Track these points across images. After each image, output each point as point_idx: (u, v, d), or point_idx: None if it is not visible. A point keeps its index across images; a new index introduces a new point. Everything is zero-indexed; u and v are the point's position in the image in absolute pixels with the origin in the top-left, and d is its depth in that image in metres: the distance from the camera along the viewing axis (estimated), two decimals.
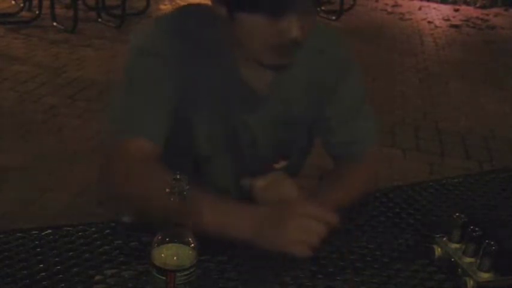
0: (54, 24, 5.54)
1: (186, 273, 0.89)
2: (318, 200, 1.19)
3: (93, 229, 1.16)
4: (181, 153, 1.29)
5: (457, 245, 1.14)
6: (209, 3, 1.20)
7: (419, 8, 8.45)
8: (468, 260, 1.11)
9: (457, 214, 1.17)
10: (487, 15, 8.38)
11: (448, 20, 7.88)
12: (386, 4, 8.46)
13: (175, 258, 0.89)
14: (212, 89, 1.25)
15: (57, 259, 1.06)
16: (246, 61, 1.22)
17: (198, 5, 1.29)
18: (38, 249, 1.09)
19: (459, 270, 1.10)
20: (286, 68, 1.22)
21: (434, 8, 8.61)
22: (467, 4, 8.98)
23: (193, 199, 0.91)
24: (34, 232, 1.13)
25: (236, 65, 1.24)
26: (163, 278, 0.88)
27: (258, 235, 1.06)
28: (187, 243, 0.90)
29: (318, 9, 1.15)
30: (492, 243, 1.07)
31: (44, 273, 1.02)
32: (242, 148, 1.32)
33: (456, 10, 8.59)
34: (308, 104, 1.34)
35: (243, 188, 1.21)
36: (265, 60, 1.18)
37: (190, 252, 0.90)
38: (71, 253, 1.08)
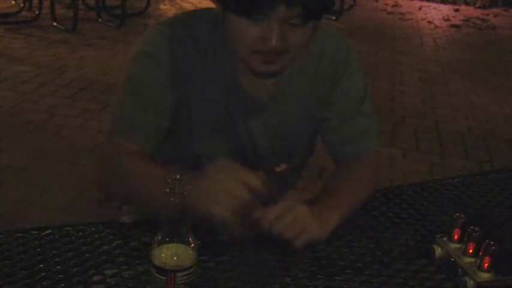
0: (54, 24, 5.54)
1: (186, 273, 0.89)
2: (323, 207, 1.18)
3: (93, 229, 1.16)
4: (182, 152, 1.29)
5: (457, 245, 1.14)
6: (213, 7, 1.21)
7: (419, 8, 8.46)
8: (468, 260, 1.11)
9: (457, 214, 1.17)
10: (487, 15, 8.39)
11: (448, 20, 7.89)
12: (387, 4, 8.47)
13: (175, 258, 0.89)
14: (214, 95, 1.26)
15: (57, 259, 1.06)
16: (245, 68, 1.22)
17: (204, 10, 1.30)
18: (38, 249, 1.08)
19: (459, 270, 1.10)
20: (276, 75, 1.22)
21: (434, 8, 8.62)
22: (467, 4, 8.99)
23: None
24: (34, 232, 1.13)
25: (236, 72, 1.25)
26: (163, 278, 0.88)
27: (194, 197, 0.95)
28: (187, 243, 0.90)
29: (315, 24, 1.13)
30: (492, 243, 1.07)
31: (44, 273, 1.02)
32: (243, 152, 1.32)
33: (456, 10, 8.59)
34: (310, 109, 1.35)
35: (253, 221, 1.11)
36: (251, 66, 1.18)
37: (190, 252, 0.90)
38: (71, 253, 1.08)
